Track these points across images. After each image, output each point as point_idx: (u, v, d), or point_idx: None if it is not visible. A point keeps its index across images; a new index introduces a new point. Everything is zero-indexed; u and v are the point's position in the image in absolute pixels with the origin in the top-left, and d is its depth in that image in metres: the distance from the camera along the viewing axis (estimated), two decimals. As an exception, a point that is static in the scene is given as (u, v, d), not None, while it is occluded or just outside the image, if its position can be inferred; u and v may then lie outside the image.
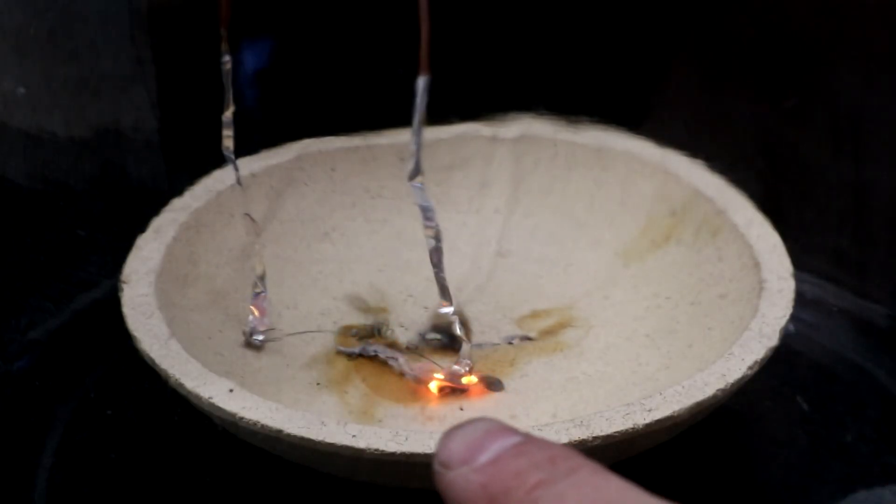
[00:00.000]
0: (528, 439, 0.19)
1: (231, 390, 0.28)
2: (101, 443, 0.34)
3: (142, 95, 0.42)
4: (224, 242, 0.36)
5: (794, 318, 0.31)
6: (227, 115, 0.33)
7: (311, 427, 0.27)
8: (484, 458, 0.18)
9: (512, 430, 0.19)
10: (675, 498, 0.18)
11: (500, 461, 0.18)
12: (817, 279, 0.41)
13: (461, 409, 0.32)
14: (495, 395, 0.33)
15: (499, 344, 0.36)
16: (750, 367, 0.29)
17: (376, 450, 0.26)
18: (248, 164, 0.38)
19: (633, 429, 0.27)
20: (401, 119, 0.30)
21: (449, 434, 0.19)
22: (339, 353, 0.35)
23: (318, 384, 0.33)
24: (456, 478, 0.18)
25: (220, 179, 0.37)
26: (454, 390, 0.33)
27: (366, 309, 0.37)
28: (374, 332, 0.36)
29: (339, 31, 0.45)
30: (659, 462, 0.30)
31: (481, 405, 0.33)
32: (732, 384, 0.28)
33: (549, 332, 0.36)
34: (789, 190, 0.44)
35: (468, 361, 0.33)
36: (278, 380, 0.33)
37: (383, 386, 0.34)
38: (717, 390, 0.28)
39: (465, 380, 0.33)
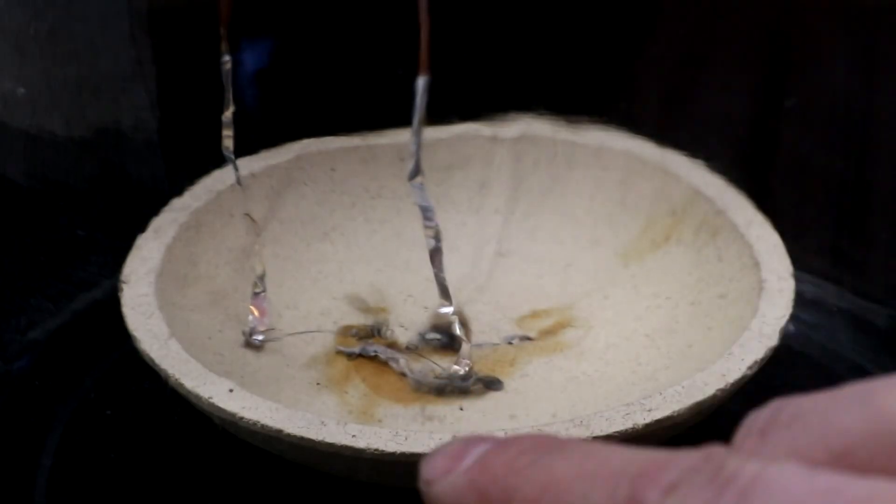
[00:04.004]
0: (510, 437, 0.19)
1: (231, 390, 0.28)
2: (101, 443, 0.34)
3: (142, 95, 0.42)
4: (224, 242, 0.36)
5: (794, 318, 0.31)
6: (227, 115, 0.33)
7: (311, 427, 0.27)
8: (468, 461, 0.18)
9: (492, 436, 0.19)
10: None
11: (485, 458, 0.18)
12: (817, 279, 0.40)
13: (461, 409, 0.32)
14: (495, 395, 0.33)
15: (499, 344, 0.36)
16: (750, 367, 0.29)
17: (376, 450, 0.26)
18: (248, 164, 0.38)
19: (633, 429, 0.27)
20: (401, 119, 0.30)
21: (429, 455, 0.19)
22: (339, 353, 0.35)
23: (318, 384, 0.33)
24: (443, 487, 0.18)
25: (220, 179, 0.37)
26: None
27: (366, 309, 0.37)
28: (374, 332, 0.36)
29: (339, 31, 0.45)
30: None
31: (481, 405, 0.33)
32: (732, 384, 0.28)
33: (549, 332, 0.36)
34: (789, 190, 0.44)
35: (468, 361, 0.33)
36: (278, 380, 0.33)
37: (383, 386, 0.34)
38: (717, 390, 0.28)
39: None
